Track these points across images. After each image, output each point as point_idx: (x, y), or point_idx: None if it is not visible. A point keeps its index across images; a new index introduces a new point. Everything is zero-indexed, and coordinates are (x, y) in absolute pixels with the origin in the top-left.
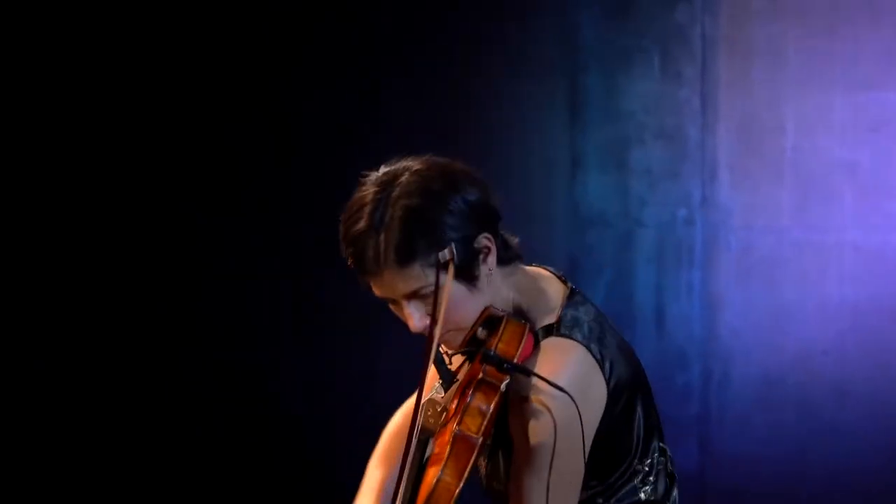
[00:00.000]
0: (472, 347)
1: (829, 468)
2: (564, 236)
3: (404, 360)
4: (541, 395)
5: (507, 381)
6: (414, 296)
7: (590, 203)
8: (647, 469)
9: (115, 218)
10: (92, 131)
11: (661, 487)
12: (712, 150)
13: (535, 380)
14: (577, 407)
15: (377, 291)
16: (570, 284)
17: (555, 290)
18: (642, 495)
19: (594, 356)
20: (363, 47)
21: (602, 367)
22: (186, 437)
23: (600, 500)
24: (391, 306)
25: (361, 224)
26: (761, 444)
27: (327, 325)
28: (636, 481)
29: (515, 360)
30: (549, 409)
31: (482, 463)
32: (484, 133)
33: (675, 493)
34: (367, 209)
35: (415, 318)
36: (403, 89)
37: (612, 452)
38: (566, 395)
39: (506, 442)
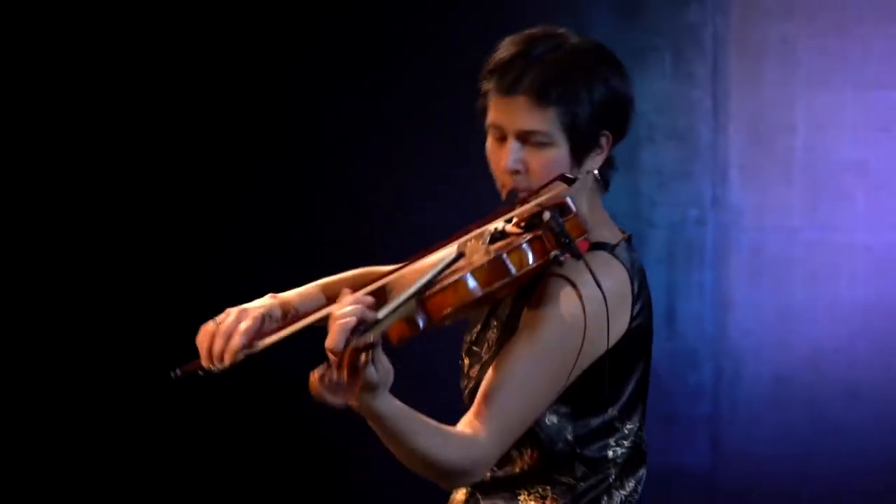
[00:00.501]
0: (536, 221)
1: (839, 468)
2: None
3: (405, 358)
4: (578, 281)
5: (557, 252)
6: (524, 137)
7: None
8: (625, 432)
9: (116, 218)
10: (92, 131)
11: (630, 457)
12: (723, 150)
13: (576, 267)
14: (606, 308)
15: (494, 116)
16: (627, 234)
17: (616, 230)
18: (610, 453)
19: (632, 289)
20: (368, 48)
21: (633, 303)
22: (187, 438)
23: (569, 436)
24: (490, 142)
25: (521, 48)
26: (771, 444)
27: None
28: (611, 439)
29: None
30: (581, 295)
31: (474, 372)
32: None
33: (642, 471)
34: (532, 40)
35: (511, 157)
36: (410, 90)
37: (597, 391)
38: (601, 292)
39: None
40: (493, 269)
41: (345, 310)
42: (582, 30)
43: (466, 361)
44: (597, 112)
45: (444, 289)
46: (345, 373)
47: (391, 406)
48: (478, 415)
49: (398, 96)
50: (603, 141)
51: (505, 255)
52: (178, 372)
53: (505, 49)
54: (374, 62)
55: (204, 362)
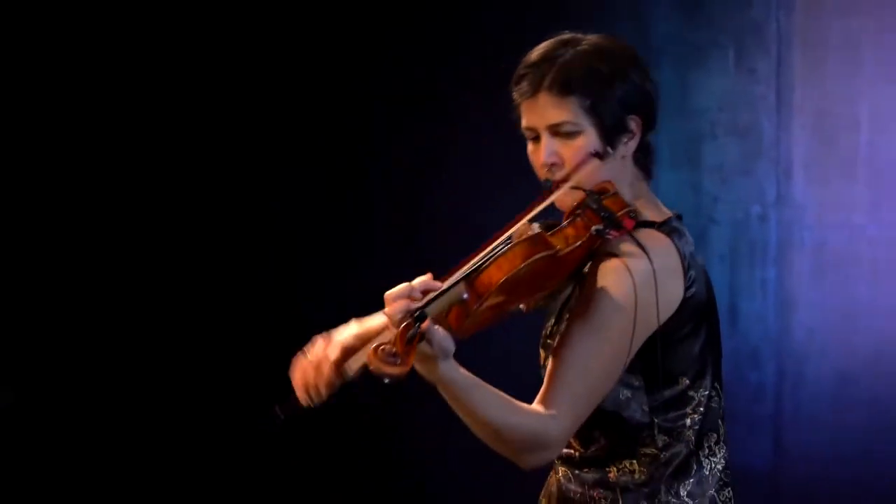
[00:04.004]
0: (577, 208)
1: None
2: None
3: (485, 353)
4: (625, 255)
5: (599, 226)
6: (554, 130)
7: (662, 200)
8: (700, 399)
9: (116, 219)
10: (95, 133)
11: (707, 423)
12: (787, 146)
13: (622, 242)
14: (655, 277)
15: (525, 120)
16: (677, 214)
17: (664, 210)
18: (687, 421)
19: (682, 260)
20: (421, 42)
21: (685, 273)
22: (189, 438)
23: (645, 407)
24: (529, 146)
25: (540, 53)
26: (835, 444)
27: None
28: (687, 408)
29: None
30: (627, 266)
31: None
32: None
33: (719, 435)
34: (551, 46)
35: (547, 150)
36: (473, 86)
37: (665, 362)
38: (648, 261)
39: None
40: (532, 243)
41: (397, 290)
42: (646, 26)
43: (542, 354)
44: (620, 98)
45: (487, 267)
46: (399, 344)
47: (458, 373)
48: (548, 395)
49: (466, 94)
50: (632, 125)
51: (547, 233)
52: (280, 414)
53: (526, 57)
54: (436, 59)
55: (302, 399)
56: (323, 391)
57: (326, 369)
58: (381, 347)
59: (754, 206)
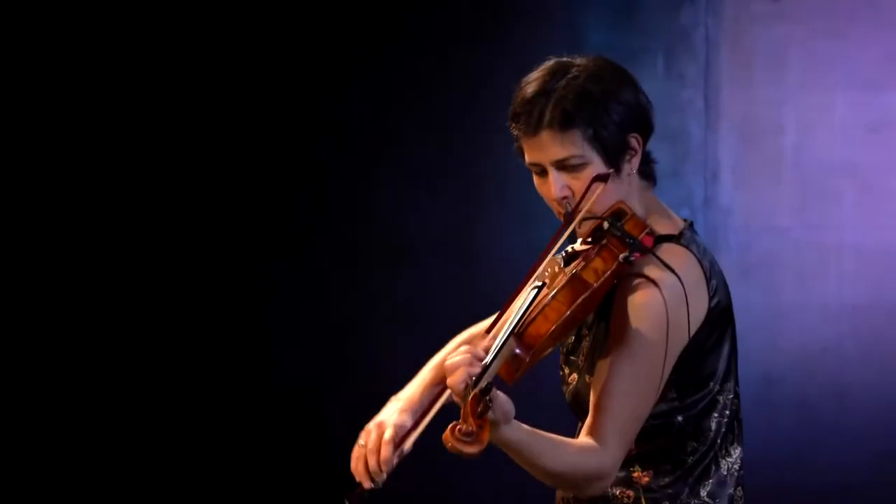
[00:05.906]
0: (599, 233)
1: (829, 469)
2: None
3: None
4: (653, 277)
5: (625, 253)
6: (562, 165)
7: None
8: (725, 403)
9: (118, 219)
10: (100, 135)
11: (730, 426)
12: (714, 150)
13: (648, 263)
14: (685, 294)
15: (529, 156)
16: (688, 221)
17: (677, 219)
18: (713, 425)
19: (704, 271)
20: (363, 46)
21: (708, 284)
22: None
23: (680, 418)
24: (535, 179)
25: (535, 88)
26: (761, 444)
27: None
28: (714, 412)
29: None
30: (659, 289)
31: (573, 379)
32: (487, 134)
33: (741, 439)
34: (544, 79)
35: (556, 186)
36: (407, 90)
37: (697, 371)
38: (678, 280)
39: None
40: (572, 288)
41: (456, 360)
42: (576, 34)
43: (566, 370)
44: (617, 123)
45: (534, 319)
46: (472, 420)
47: (518, 434)
48: (595, 426)
49: (400, 99)
50: (633, 142)
51: (580, 272)
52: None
53: (521, 92)
54: (369, 63)
55: (366, 484)
56: (384, 472)
57: (385, 451)
58: (458, 427)
59: (682, 208)
